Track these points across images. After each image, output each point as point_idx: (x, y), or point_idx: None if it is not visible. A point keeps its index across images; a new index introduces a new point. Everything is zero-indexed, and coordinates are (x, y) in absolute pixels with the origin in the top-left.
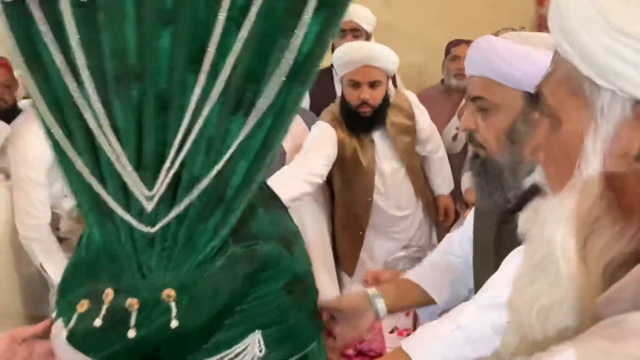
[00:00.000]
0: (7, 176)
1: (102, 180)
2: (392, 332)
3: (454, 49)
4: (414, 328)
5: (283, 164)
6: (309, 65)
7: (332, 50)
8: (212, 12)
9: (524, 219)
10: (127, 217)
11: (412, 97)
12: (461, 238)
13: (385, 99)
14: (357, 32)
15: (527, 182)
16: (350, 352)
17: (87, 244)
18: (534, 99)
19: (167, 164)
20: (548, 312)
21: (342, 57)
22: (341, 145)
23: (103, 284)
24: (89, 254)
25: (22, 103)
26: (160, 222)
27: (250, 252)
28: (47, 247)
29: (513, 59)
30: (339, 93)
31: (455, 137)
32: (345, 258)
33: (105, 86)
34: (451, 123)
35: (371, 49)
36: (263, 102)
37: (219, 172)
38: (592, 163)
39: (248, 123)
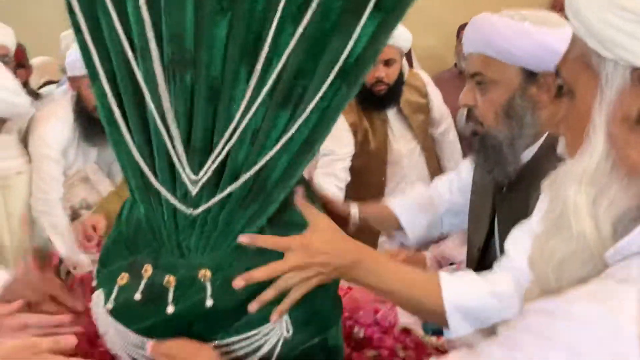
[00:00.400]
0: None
1: (151, 160)
2: None
3: (463, 32)
4: None
5: None
6: (360, 67)
7: None
8: (270, 6)
9: (546, 183)
10: (172, 198)
11: (426, 76)
12: (452, 184)
13: (400, 76)
14: None
15: (525, 157)
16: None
17: (128, 218)
18: (531, 75)
19: (214, 152)
20: (562, 265)
21: None
22: (353, 130)
23: (142, 258)
24: (129, 228)
25: (46, 89)
26: (203, 205)
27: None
28: (55, 221)
29: (510, 35)
30: None
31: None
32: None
33: (163, 69)
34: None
35: None
36: (310, 100)
37: (262, 165)
38: (599, 127)
39: (294, 119)
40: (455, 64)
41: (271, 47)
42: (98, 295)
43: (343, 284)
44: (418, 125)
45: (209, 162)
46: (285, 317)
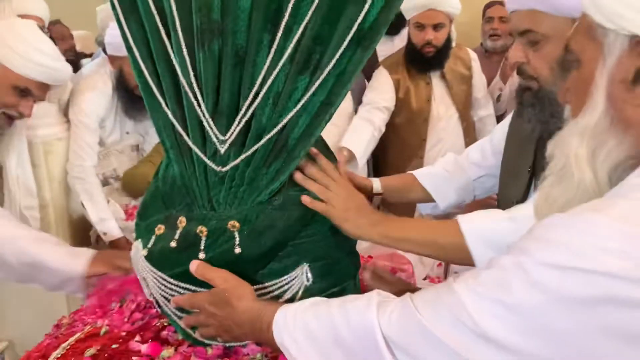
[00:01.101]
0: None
1: (183, 123)
2: (425, 279)
3: (489, 10)
4: (445, 277)
5: None
6: (374, 32)
7: None
8: None
9: (552, 143)
10: (203, 156)
11: (472, 53)
12: (485, 149)
13: (448, 41)
14: None
15: None
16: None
17: (164, 176)
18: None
19: (240, 114)
20: (564, 210)
21: (410, 1)
22: (395, 87)
23: (177, 212)
24: (165, 185)
25: (85, 62)
26: (230, 163)
27: (303, 196)
28: (88, 187)
29: None
30: (379, 49)
31: (498, 98)
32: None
33: (192, 39)
34: (493, 84)
35: None
36: (328, 64)
37: (284, 125)
38: (601, 89)
39: (313, 82)
40: (482, 43)
41: (291, 15)
42: (137, 245)
43: (363, 253)
44: (458, 93)
45: (235, 123)
46: (306, 268)
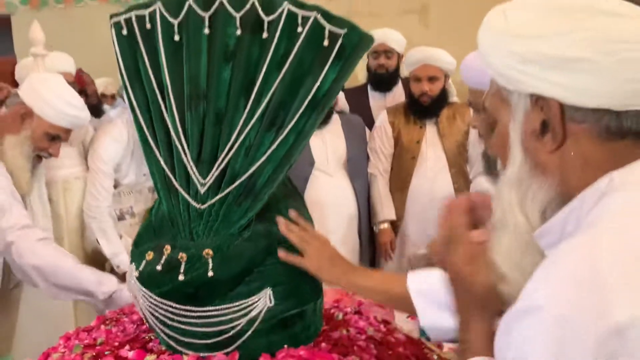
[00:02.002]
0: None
1: (172, 168)
2: (408, 317)
3: None
4: None
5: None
6: (327, 99)
7: (367, 69)
8: (262, 56)
9: (494, 194)
10: (186, 196)
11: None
12: None
13: (443, 92)
14: (389, 54)
15: None
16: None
17: (156, 212)
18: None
19: (218, 162)
20: (509, 253)
21: (409, 57)
22: (391, 126)
23: (164, 241)
24: (156, 219)
25: (106, 109)
26: (208, 202)
27: (268, 230)
28: (103, 226)
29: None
30: (372, 105)
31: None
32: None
33: (182, 102)
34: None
35: (430, 51)
36: (289, 124)
37: (252, 172)
38: (515, 142)
39: (277, 139)
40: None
41: (261, 86)
42: (131, 268)
43: None
44: (450, 141)
45: (214, 169)
46: (269, 291)
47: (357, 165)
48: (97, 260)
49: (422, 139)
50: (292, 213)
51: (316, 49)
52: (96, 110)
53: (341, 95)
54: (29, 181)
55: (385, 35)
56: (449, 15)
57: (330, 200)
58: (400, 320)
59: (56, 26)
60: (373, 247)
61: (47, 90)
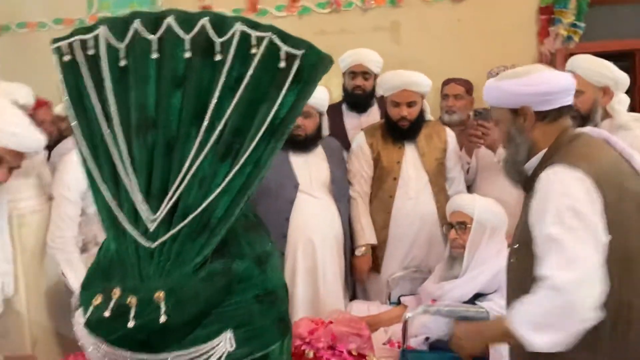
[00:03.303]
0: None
1: (119, 204)
2: (384, 343)
3: (445, 88)
4: (404, 341)
5: None
6: (285, 126)
7: (343, 89)
8: (214, 80)
9: None
10: (135, 234)
11: (450, 131)
12: None
13: (421, 114)
14: (367, 75)
15: (528, 169)
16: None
17: (105, 251)
18: (514, 111)
19: (168, 196)
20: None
21: (387, 82)
22: (370, 148)
23: (114, 283)
24: (105, 259)
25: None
26: (159, 240)
27: (227, 268)
28: (68, 257)
29: (487, 91)
30: (347, 124)
31: (468, 171)
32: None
33: (129, 131)
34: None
35: (409, 76)
36: (246, 153)
37: (207, 205)
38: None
39: (232, 169)
40: (440, 117)
41: (214, 112)
42: (79, 313)
43: (324, 318)
44: (430, 160)
45: (164, 204)
46: (229, 335)
47: (340, 187)
48: (58, 298)
49: (402, 159)
50: None
51: (272, 72)
52: (57, 134)
53: (325, 120)
54: None
55: (363, 56)
56: (420, 31)
57: (315, 222)
58: (380, 347)
59: (19, 51)
60: None
61: None
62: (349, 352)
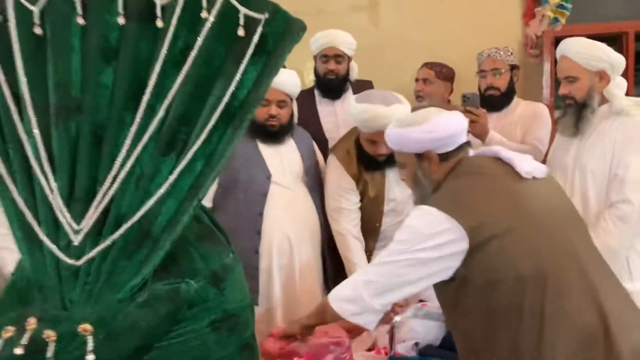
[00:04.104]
0: None
1: (34, 210)
2: (369, 350)
3: (417, 72)
4: (391, 347)
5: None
6: (245, 111)
7: (315, 74)
8: (153, 52)
9: None
10: (54, 248)
11: None
12: None
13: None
14: (340, 58)
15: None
16: None
17: (21, 270)
18: (418, 155)
19: (97, 199)
20: None
21: (363, 121)
22: (354, 180)
23: (30, 311)
24: (22, 280)
25: None
26: (86, 256)
27: (173, 290)
28: (17, 257)
29: (391, 138)
30: (320, 112)
31: None
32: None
33: (47, 117)
34: None
35: (389, 118)
36: (195, 145)
37: (146, 211)
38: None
39: (179, 164)
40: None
41: (154, 92)
42: None
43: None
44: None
45: (92, 209)
46: None
47: (313, 178)
48: None
49: (385, 182)
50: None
51: (228, 41)
52: None
53: (294, 106)
54: None
55: (336, 37)
56: (400, 12)
57: (290, 215)
58: (363, 354)
59: None
60: (337, 256)
61: None
62: None
